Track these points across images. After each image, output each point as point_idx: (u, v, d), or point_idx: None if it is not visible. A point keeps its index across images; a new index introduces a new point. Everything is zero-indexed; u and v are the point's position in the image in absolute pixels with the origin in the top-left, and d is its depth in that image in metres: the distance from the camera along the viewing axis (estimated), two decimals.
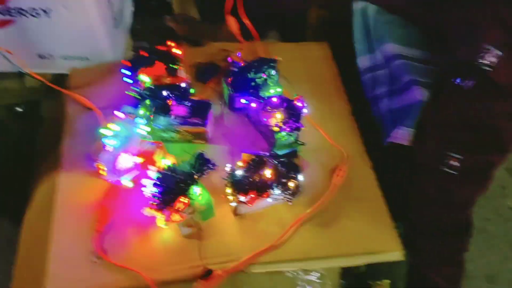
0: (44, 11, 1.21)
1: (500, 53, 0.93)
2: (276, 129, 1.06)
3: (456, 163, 1.01)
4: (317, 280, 1.12)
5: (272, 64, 1.14)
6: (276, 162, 0.98)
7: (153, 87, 1.09)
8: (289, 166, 0.98)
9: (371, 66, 1.21)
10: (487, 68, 0.94)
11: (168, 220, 0.96)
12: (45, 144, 1.34)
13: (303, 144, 1.09)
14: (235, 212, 1.01)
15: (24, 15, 1.22)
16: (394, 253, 1.02)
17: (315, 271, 1.03)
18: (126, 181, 1.03)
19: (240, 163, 0.99)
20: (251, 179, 0.95)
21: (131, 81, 1.18)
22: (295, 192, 0.98)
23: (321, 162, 1.12)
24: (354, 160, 1.13)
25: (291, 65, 1.25)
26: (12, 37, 1.28)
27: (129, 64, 1.16)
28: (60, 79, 1.40)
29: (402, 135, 1.09)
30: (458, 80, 0.98)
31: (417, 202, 1.12)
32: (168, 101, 1.08)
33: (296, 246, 0.99)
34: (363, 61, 1.24)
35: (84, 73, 1.29)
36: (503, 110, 0.98)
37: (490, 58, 0.93)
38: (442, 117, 1.04)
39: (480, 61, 0.94)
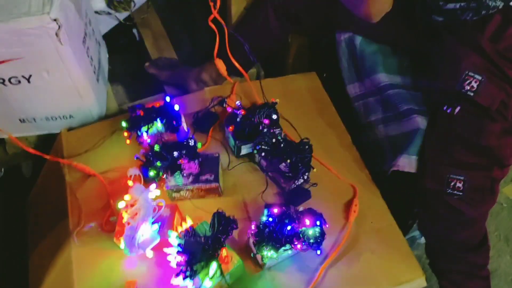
0: (25, 77, 1.16)
1: (479, 77, 0.98)
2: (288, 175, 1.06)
3: (460, 184, 1.05)
4: None
5: (272, 108, 1.14)
6: (300, 213, 0.98)
7: (160, 149, 1.06)
8: (313, 214, 0.98)
9: (362, 93, 1.24)
10: (470, 93, 0.99)
11: (199, 286, 0.94)
12: (37, 214, 1.29)
13: (315, 184, 1.10)
14: (263, 266, 1.00)
15: (3, 83, 1.16)
16: (418, 280, 1.05)
17: None
18: (148, 252, 1.00)
19: (264, 219, 0.98)
20: (279, 235, 0.95)
21: (129, 142, 1.16)
22: (321, 240, 0.98)
23: (333, 199, 1.13)
24: (363, 191, 1.15)
25: (284, 101, 1.26)
26: None
27: (128, 125, 1.13)
28: (44, 139, 1.35)
29: (408, 163, 1.11)
30: (445, 108, 1.03)
31: (431, 224, 1.15)
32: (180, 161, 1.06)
33: None
34: (352, 89, 1.26)
35: (76, 136, 1.25)
36: (493, 129, 1.02)
37: (472, 83, 0.98)
38: (439, 141, 1.08)
39: (462, 88, 0.99)
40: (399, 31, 1.19)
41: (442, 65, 1.07)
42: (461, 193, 1.05)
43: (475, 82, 0.99)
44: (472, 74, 0.99)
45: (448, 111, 1.03)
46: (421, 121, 1.12)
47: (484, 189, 1.07)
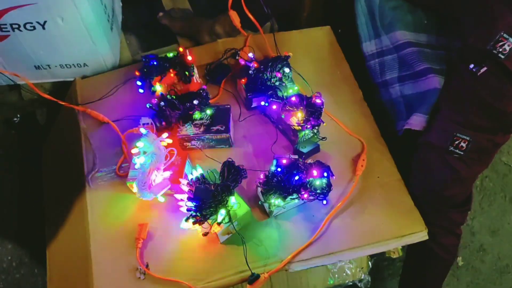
0: (39, 23, 1.17)
1: None
2: (298, 127, 1.08)
3: (463, 144, 1.05)
4: (348, 265, 1.18)
5: (285, 62, 1.14)
6: (309, 164, 1.00)
7: (173, 99, 1.08)
8: (320, 166, 1.01)
9: (378, 51, 1.22)
10: (501, 56, 0.96)
11: (208, 231, 0.98)
12: (53, 159, 1.33)
13: (324, 138, 1.12)
14: (270, 214, 1.04)
15: (19, 29, 1.17)
16: (420, 233, 1.08)
17: None
18: (160, 197, 1.04)
19: (273, 168, 1.01)
20: (287, 185, 0.98)
21: (142, 90, 1.17)
22: (328, 191, 1.01)
23: (342, 153, 1.15)
24: (372, 145, 1.16)
25: (298, 54, 1.26)
26: (7, 51, 1.23)
27: (141, 74, 1.14)
28: (59, 86, 1.37)
29: (419, 121, 1.12)
30: (471, 66, 1.01)
31: (423, 177, 1.16)
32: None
33: (330, 241, 1.03)
34: (368, 47, 1.24)
35: (90, 84, 1.26)
36: None
37: (505, 46, 0.96)
38: (453, 99, 1.07)
39: (494, 48, 0.96)
40: None
41: (475, 22, 1.04)
42: (462, 153, 1.06)
43: (508, 45, 0.96)
44: (507, 36, 0.96)
45: (472, 69, 1.01)
46: (438, 81, 1.11)
47: (484, 152, 1.08)
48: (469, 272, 1.62)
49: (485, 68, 1.00)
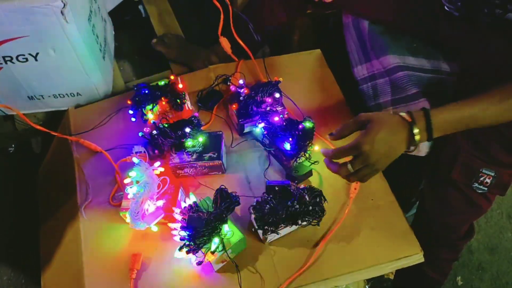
0: (32, 55, 1.18)
1: None
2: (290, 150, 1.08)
3: (488, 180, 1.04)
4: None
5: (275, 86, 1.15)
6: (301, 190, 1.00)
7: (165, 127, 1.08)
8: (312, 192, 1.01)
9: (370, 75, 1.23)
10: None
11: (202, 260, 0.98)
12: (47, 189, 1.33)
13: (317, 162, 1.12)
14: (265, 240, 1.03)
15: (11, 61, 1.18)
16: (415, 256, 1.07)
17: None
18: (153, 227, 1.04)
19: (266, 196, 1.01)
20: (280, 212, 0.97)
21: (134, 119, 1.18)
22: (321, 217, 1.01)
23: (334, 176, 1.13)
24: None
25: (289, 79, 1.27)
26: (0, 83, 1.24)
27: (133, 103, 1.15)
28: (52, 116, 1.38)
29: (418, 148, 1.11)
30: None
31: (443, 215, 1.15)
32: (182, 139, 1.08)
33: (326, 265, 1.03)
34: (360, 71, 1.25)
35: (82, 114, 1.27)
36: None
37: None
38: (475, 136, 1.04)
39: None
40: (411, 16, 1.17)
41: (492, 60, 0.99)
42: (486, 189, 1.04)
43: None
44: None
45: None
46: (428, 105, 1.10)
47: (505, 186, 1.06)
48: None
49: None
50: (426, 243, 1.09)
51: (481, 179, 1.04)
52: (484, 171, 1.03)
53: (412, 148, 0.87)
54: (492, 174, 1.03)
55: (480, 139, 1.03)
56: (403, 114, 0.85)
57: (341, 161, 0.90)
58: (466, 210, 1.11)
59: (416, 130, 0.83)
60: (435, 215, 1.16)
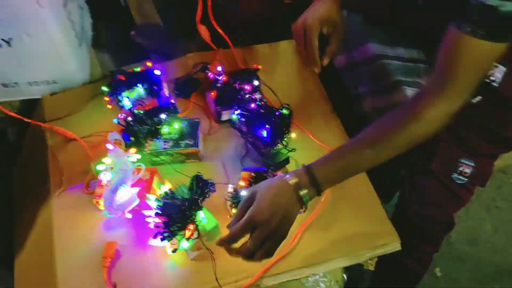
0: (5, 40, 1.15)
1: (504, 68, 0.94)
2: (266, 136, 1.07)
3: (468, 170, 1.04)
4: (322, 279, 1.17)
5: (254, 74, 1.14)
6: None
7: (141, 114, 1.06)
8: None
9: (349, 65, 1.23)
10: (494, 84, 0.95)
11: (177, 248, 0.96)
12: (23, 179, 1.30)
13: (294, 150, 1.11)
14: None
15: None
16: (393, 244, 1.07)
17: None
18: (127, 214, 1.02)
19: (241, 183, 1.00)
20: None
21: (110, 106, 1.16)
22: None
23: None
24: None
25: (267, 67, 1.26)
26: None
27: (109, 89, 1.13)
28: (28, 104, 1.35)
29: None
30: None
31: (421, 206, 1.15)
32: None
33: (302, 254, 1.02)
34: (339, 60, 1.25)
35: (57, 101, 1.25)
36: None
37: (496, 74, 0.95)
38: (453, 127, 1.01)
39: (486, 77, 0.95)
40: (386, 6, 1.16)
41: None
42: (466, 179, 1.04)
43: (499, 72, 0.95)
44: (497, 65, 0.95)
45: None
46: (410, 93, 1.10)
47: (486, 176, 1.07)
48: (447, 283, 1.62)
49: (479, 97, 0.98)
50: (406, 235, 1.09)
51: (460, 169, 1.04)
52: (463, 161, 1.03)
53: (304, 208, 0.85)
54: (472, 164, 1.03)
55: (459, 130, 1.03)
56: (287, 177, 0.83)
57: (238, 243, 0.85)
58: (446, 202, 1.11)
59: (303, 192, 0.82)
60: (415, 208, 1.16)
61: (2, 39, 1.15)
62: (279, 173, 1.04)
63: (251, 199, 0.83)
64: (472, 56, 0.74)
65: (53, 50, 1.22)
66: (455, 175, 1.04)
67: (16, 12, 1.09)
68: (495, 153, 1.04)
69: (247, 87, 1.14)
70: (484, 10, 0.69)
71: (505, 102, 0.97)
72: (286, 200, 0.82)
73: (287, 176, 0.83)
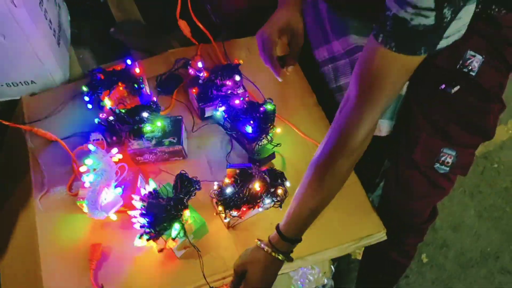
0: None
1: (481, 57, 0.95)
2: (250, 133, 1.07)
3: (449, 160, 1.04)
4: (310, 271, 1.18)
5: (235, 69, 1.13)
6: (262, 172, 0.99)
7: (122, 113, 1.05)
8: (274, 174, 1.00)
9: (330, 57, 1.21)
10: (472, 73, 0.96)
11: (163, 247, 0.96)
12: (2, 183, 1.28)
13: (279, 145, 1.11)
14: (228, 225, 1.02)
15: None
16: (378, 234, 1.08)
17: None
18: (112, 215, 1.01)
19: (227, 180, 0.99)
20: (241, 194, 0.96)
21: (91, 106, 1.14)
22: (284, 198, 1.00)
23: (297, 158, 1.14)
24: None
25: (249, 61, 1.25)
26: None
27: (89, 89, 1.11)
28: (6, 106, 1.32)
29: (377, 127, 1.09)
30: (442, 86, 0.99)
31: (403, 196, 1.15)
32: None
33: None
34: (320, 53, 1.23)
35: (37, 102, 1.23)
36: (493, 111, 1.00)
37: (473, 63, 0.95)
38: (434, 117, 1.04)
39: (464, 67, 0.95)
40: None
41: None
42: (447, 169, 1.04)
43: (476, 61, 0.95)
44: (474, 54, 0.95)
45: (447, 90, 0.99)
46: None
47: (467, 166, 1.07)
48: (433, 269, 1.64)
49: (458, 87, 0.98)
50: (390, 228, 1.10)
51: (442, 159, 1.04)
52: (445, 150, 1.03)
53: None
54: (453, 154, 1.03)
55: (440, 120, 1.03)
56: (265, 248, 0.91)
57: None
58: (429, 193, 1.11)
59: (281, 256, 0.91)
60: (399, 200, 1.16)
61: None
62: (265, 168, 1.03)
63: (242, 274, 0.93)
64: (385, 67, 0.75)
65: (30, 50, 1.19)
66: (437, 165, 1.05)
67: None
68: (476, 142, 1.04)
69: (229, 83, 1.13)
70: (396, 22, 0.70)
71: (482, 92, 0.97)
72: (271, 270, 0.93)
73: (266, 248, 0.91)
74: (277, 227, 0.91)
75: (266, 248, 0.90)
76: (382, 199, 1.27)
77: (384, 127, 1.12)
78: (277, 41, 1.07)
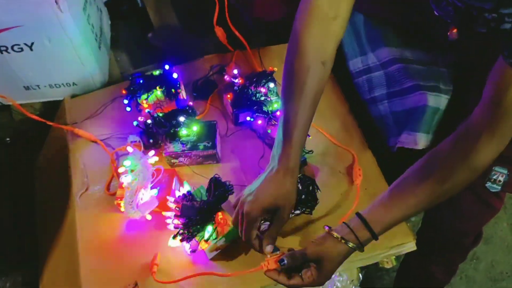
0: (27, 45, 1.18)
1: None
2: None
3: (501, 178, 1.02)
4: (338, 278, 1.18)
5: (270, 77, 1.16)
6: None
7: (160, 116, 1.09)
8: (305, 181, 1.01)
9: (365, 68, 1.21)
10: None
11: (195, 248, 0.99)
12: (44, 179, 1.34)
13: (311, 152, 1.13)
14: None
15: (7, 51, 1.19)
16: (409, 244, 1.08)
17: None
18: (147, 215, 1.05)
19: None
20: None
21: (129, 109, 1.18)
22: (314, 206, 1.02)
23: (330, 165, 1.15)
24: (359, 157, 1.17)
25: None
26: None
27: (128, 92, 1.15)
28: (49, 106, 1.38)
29: (411, 139, 1.10)
30: None
31: (453, 218, 1.13)
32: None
33: None
34: (355, 64, 1.23)
35: (78, 104, 1.28)
36: None
37: None
38: None
39: None
40: (405, 15, 1.14)
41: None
42: (499, 188, 1.02)
43: None
44: None
45: None
46: (426, 98, 1.09)
47: None
48: (463, 281, 1.62)
49: None
50: (436, 246, 1.08)
51: (494, 177, 1.02)
52: (496, 169, 1.01)
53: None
54: (505, 172, 1.01)
55: None
56: (350, 244, 0.85)
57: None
58: (480, 213, 1.09)
59: (354, 245, 0.85)
60: (447, 220, 1.14)
61: (25, 44, 1.18)
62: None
63: (309, 260, 0.86)
64: None
65: (73, 53, 1.24)
66: (489, 184, 1.03)
67: (38, 17, 1.11)
68: None
69: (263, 90, 1.15)
70: None
71: None
72: (341, 262, 0.88)
73: (351, 244, 0.85)
74: (360, 216, 0.86)
75: (350, 244, 0.85)
76: (425, 217, 1.25)
77: (421, 141, 1.11)
78: (258, 220, 0.92)
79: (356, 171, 1.13)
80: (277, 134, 0.95)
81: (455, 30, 1.04)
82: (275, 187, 0.91)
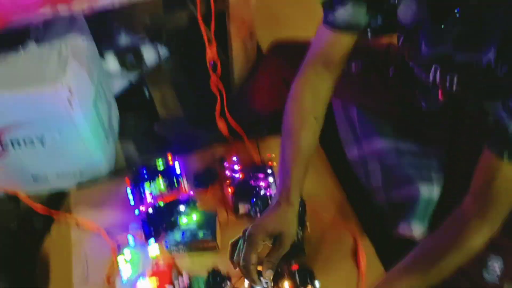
0: (38, 139, 1.24)
1: None
2: None
3: (496, 269, 1.00)
4: None
5: (268, 170, 1.21)
6: (293, 271, 1.01)
7: (161, 206, 1.12)
8: (303, 273, 1.02)
9: (361, 159, 1.24)
10: None
11: None
12: (47, 268, 1.34)
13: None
14: None
15: (18, 144, 1.24)
16: None
17: None
18: None
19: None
20: None
21: (132, 198, 1.22)
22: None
23: (330, 249, 1.16)
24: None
25: None
26: (6, 165, 1.30)
27: (130, 183, 1.20)
28: (55, 194, 1.42)
29: (409, 230, 1.11)
30: None
31: None
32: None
33: None
34: (351, 152, 1.27)
35: (83, 194, 1.32)
36: None
37: None
38: None
39: None
40: (395, 108, 1.20)
41: None
42: (497, 279, 1.00)
43: None
44: None
45: None
46: (423, 189, 1.11)
47: None
48: None
49: None
50: None
51: (491, 268, 1.00)
52: (491, 259, 1.00)
53: None
54: (499, 263, 1.00)
55: None
56: None
57: None
58: None
59: None
60: None
61: (36, 137, 1.24)
62: (295, 266, 1.05)
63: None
64: (509, 181, 0.75)
65: (82, 146, 1.30)
66: (485, 274, 1.00)
67: (50, 114, 1.18)
68: None
69: (263, 184, 1.20)
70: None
71: None
72: None
73: None
74: None
75: None
76: None
77: (416, 231, 1.11)
78: (260, 244, 0.93)
79: (361, 256, 1.13)
80: (278, 175, 1.01)
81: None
82: (278, 214, 0.96)
